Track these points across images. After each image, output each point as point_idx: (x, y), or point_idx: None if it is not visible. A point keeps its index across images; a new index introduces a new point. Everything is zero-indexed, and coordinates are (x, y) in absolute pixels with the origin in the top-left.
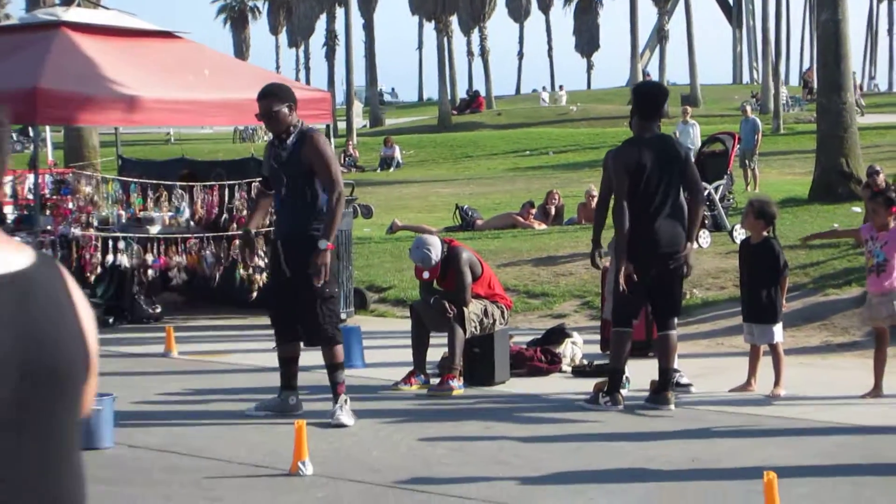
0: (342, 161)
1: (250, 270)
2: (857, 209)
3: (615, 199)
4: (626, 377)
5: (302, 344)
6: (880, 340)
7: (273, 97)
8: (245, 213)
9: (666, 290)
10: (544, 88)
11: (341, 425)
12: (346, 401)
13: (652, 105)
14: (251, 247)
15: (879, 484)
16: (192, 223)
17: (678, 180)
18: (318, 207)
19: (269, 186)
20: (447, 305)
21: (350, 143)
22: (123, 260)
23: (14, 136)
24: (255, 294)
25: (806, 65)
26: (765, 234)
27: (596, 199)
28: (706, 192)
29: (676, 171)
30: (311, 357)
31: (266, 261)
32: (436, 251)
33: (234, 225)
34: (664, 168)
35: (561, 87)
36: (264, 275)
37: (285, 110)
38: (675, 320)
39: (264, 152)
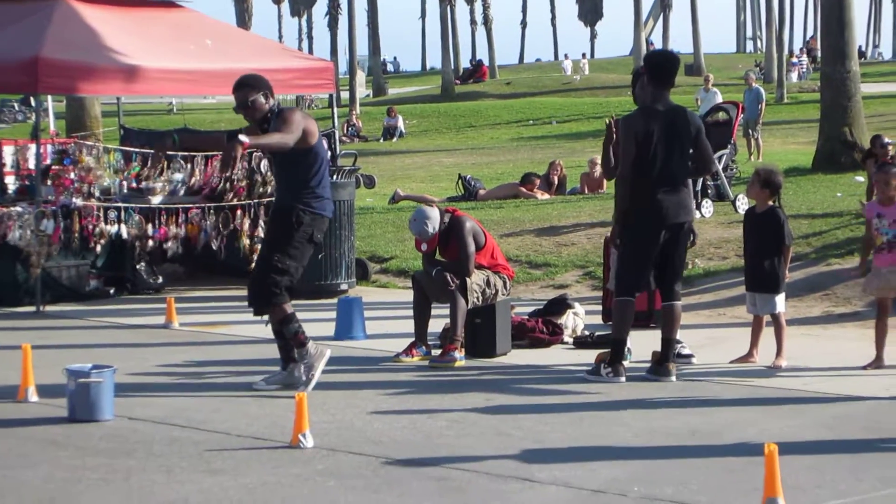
0: (345, 131)
1: (248, 240)
2: (861, 178)
3: (620, 166)
4: (628, 348)
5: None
6: (882, 311)
7: (248, 87)
8: (245, 182)
9: (671, 261)
10: (566, 56)
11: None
12: (307, 352)
13: (665, 74)
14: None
15: (880, 457)
16: (190, 192)
17: (687, 153)
18: (302, 182)
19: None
20: (449, 278)
21: (354, 112)
22: (124, 230)
23: (16, 105)
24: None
25: (810, 33)
26: (770, 203)
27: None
28: None
29: (687, 144)
30: (317, 328)
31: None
32: (433, 223)
33: (232, 195)
34: (674, 140)
35: (584, 55)
36: None
37: (261, 99)
38: (680, 290)
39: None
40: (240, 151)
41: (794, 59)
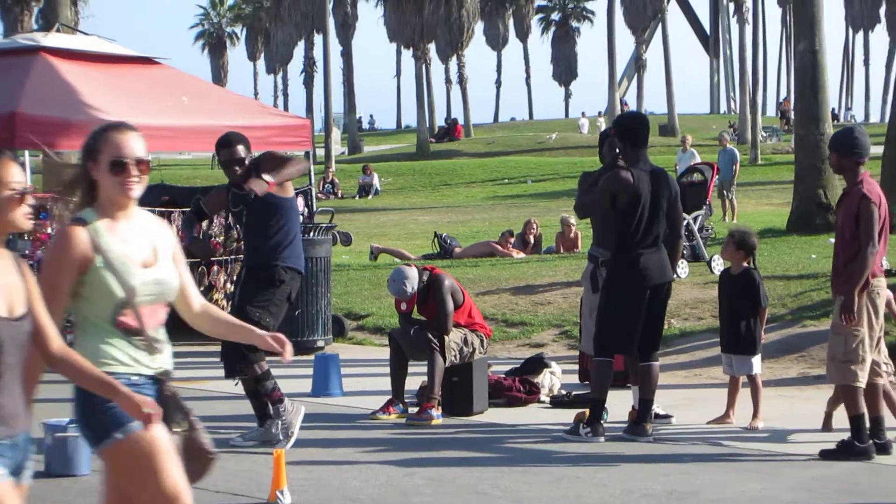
0: (321, 188)
1: (222, 296)
2: (832, 240)
3: (591, 200)
4: (606, 408)
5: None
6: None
7: (236, 144)
8: (221, 238)
9: (652, 322)
10: (583, 115)
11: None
12: (284, 409)
13: (637, 134)
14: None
15: None
16: None
17: (664, 215)
18: (277, 239)
19: (198, 214)
20: (430, 337)
21: (330, 170)
22: None
23: None
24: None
25: (783, 94)
26: (745, 264)
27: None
28: (685, 223)
29: (667, 205)
30: (293, 385)
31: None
32: (411, 283)
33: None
34: (657, 201)
35: (600, 114)
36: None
37: (245, 156)
38: (658, 352)
39: (217, 191)
40: (259, 187)
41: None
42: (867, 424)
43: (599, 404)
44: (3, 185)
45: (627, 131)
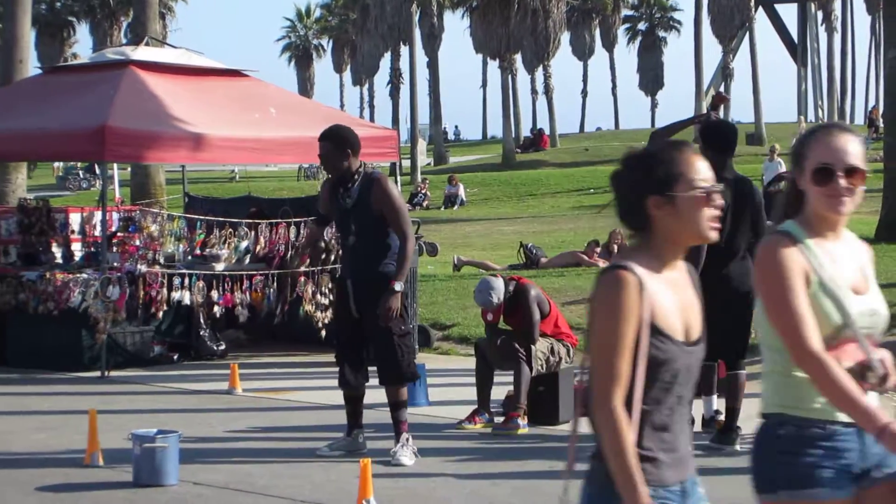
0: (410, 199)
1: (312, 307)
2: None
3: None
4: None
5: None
6: None
7: (327, 140)
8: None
9: (736, 330)
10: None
11: (401, 464)
12: (407, 440)
13: (724, 141)
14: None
15: None
16: (255, 260)
17: (750, 224)
18: (388, 248)
19: (324, 222)
20: (517, 346)
21: (426, 182)
22: (187, 297)
23: (81, 173)
24: (323, 332)
25: (872, 103)
26: None
27: None
28: None
29: (751, 214)
30: (374, 395)
31: (330, 298)
32: (497, 293)
33: (298, 262)
34: (741, 210)
35: (800, 117)
36: (328, 312)
37: (343, 155)
38: (744, 360)
39: (322, 191)
40: (399, 301)
41: None
42: None
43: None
44: (688, 183)
45: (713, 137)
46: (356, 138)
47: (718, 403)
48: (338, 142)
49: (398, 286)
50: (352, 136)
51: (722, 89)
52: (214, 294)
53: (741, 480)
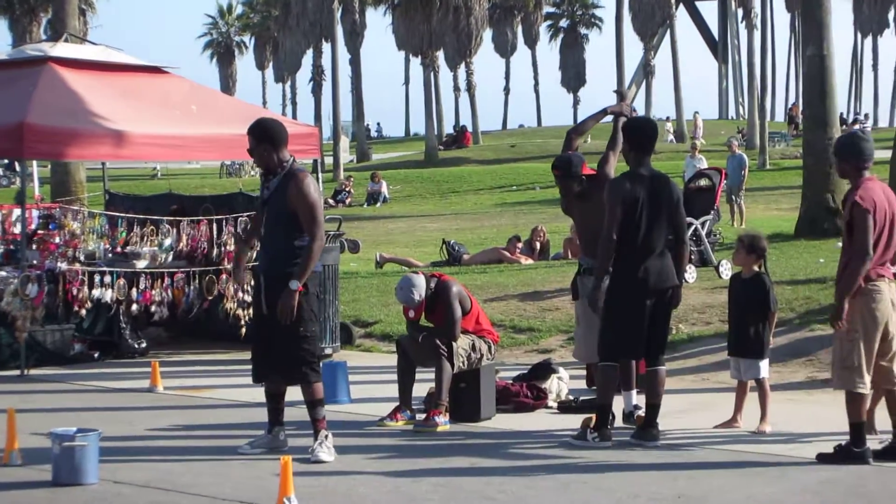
0: (337, 197)
1: (234, 304)
2: (840, 244)
3: (605, 228)
4: (612, 413)
5: None
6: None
7: (251, 134)
8: (232, 247)
9: (657, 327)
10: (668, 118)
11: (319, 461)
12: (326, 437)
13: (645, 140)
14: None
15: None
16: (177, 257)
17: (667, 221)
18: (300, 247)
19: (251, 236)
20: (438, 343)
21: (351, 179)
22: (108, 295)
23: (1, 171)
24: (243, 330)
25: (792, 100)
26: (755, 268)
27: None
28: (693, 228)
29: (667, 211)
30: (295, 392)
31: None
32: (419, 290)
33: (225, 260)
34: (657, 206)
35: (668, 118)
36: (250, 310)
37: (266, 147)
38: (664, 356)
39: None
40: (296, 301)
41: (856, 127)
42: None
43: (606, 409)
44: None
45: (635, 135)
46: (281, 131)
47: (638, 399)
48: (260, 135)
49: (293, 285)
50: (275, 128)
51: (643, 87)
52: (134, 292)
53: (662, 476)
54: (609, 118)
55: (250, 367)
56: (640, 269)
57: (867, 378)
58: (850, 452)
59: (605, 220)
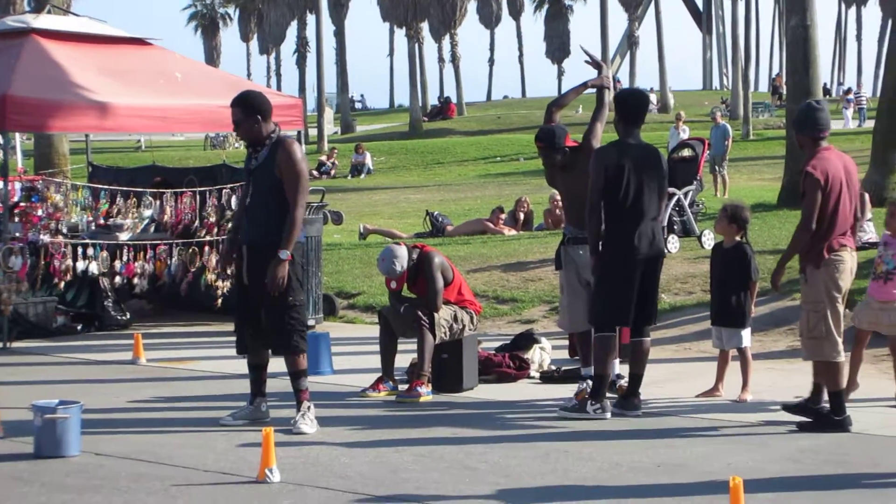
0: (321, 168)
1: (215, 276)
2: None
3: (589, 196)
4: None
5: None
6: (859, 342)
7: (237, 106)
8: (214, 219)
9: (644, 296)
10: (651, 90)
11: (301, 433)
12: (308, 408)
13: (635, 112)
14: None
15: (845, 493)
16: (160, 229)
17: (656, 189)
18: (283, 214)
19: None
20: (420, 314)
21: (335, 151)
22: (92, 267)
23: None
24: (219, 301)
25: (775, 70)
26: (737, 238)
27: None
28: (675, 198)
29: (657, 180)
30: (278, 364)
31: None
32: (401, 262)
33: (205, 231)
34: (645, 175)
35: (651, 89)
36: (229, 282)
37: (252, 119)
38: (650, 326)
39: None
40: (286, 270)
41: (850, 96)
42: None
43: (605, 380)
44: None
45: (626, 107)
46: (265, 102)
47: (621, 368)
48: (246, 107)
49: (283, 254)
50: (260, 100)
51: (628, 58)
52: (117, 264)
53: (643, 444)
54: (592, 91)
55: (233, 338)
56: (634, 235)
57: (840, 346)
58: (829, 420)
59: (590, 189)
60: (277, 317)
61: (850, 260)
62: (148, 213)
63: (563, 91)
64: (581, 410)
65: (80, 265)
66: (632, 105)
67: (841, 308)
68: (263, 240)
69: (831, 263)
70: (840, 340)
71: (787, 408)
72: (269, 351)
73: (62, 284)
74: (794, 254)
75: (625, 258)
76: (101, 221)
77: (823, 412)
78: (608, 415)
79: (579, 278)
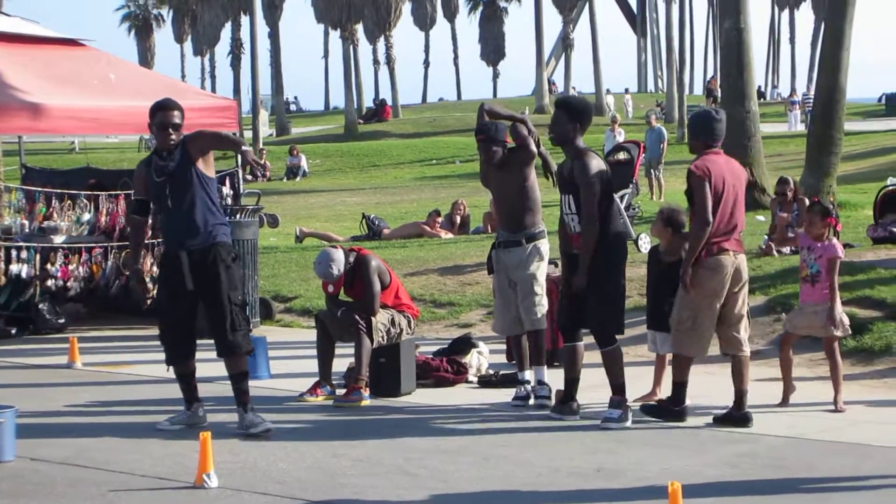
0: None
1: (148, 279)
2: (761, 218)
3: (596, 210)
4: (537, 385)
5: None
6: (785, 344)
7: (178, 108)
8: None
9: (581, 300)
10: (608, 91)
11: (267, 430)
12: (252, 409)
13: (589, 119)
14: (143, 282)
15: (783, 498)
16: (94, 232)
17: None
18: (214, 213)
19: (143, 211)
20: (357, 318)
21: (263, 152)
22: (25, 270)
23: None
24: (148, 302)
25: (710, 73)
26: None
27: (585, 216)
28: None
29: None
30: (212, 368)
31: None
32: (337, 265)
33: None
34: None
35: (627, 91)
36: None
37: (179, 121)
38: (583, 331)
39: (138, 173)
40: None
41: (795, 98)
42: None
43: (623, 388)
44: None
45: (582, 115)
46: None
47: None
48: (180, 111)
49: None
50: (180, 105)
51: (563, 60)
52: (51, 267)
53: (582, 449)
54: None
55: (163, 349)
56: (623, 239)
57: (701, 345)
58: (669, 411)
59: (589, 200)
60: (227, 316)
61: (729, 264)
62: (87, 217)
63: (499, 105)
64: (615, 420)
65: (14, 268)
66: (588, 112)
67: (715, 308)
68: (204, 240)
69: (708, 266)
70: (705, 339)
71: (717, 419)
72: (195, 358)
73: None
74: (697, 251)
75: (623, 263)
76: (38, 224)
77: (664, 404)
78: (628, 423)
79: (509, 282)
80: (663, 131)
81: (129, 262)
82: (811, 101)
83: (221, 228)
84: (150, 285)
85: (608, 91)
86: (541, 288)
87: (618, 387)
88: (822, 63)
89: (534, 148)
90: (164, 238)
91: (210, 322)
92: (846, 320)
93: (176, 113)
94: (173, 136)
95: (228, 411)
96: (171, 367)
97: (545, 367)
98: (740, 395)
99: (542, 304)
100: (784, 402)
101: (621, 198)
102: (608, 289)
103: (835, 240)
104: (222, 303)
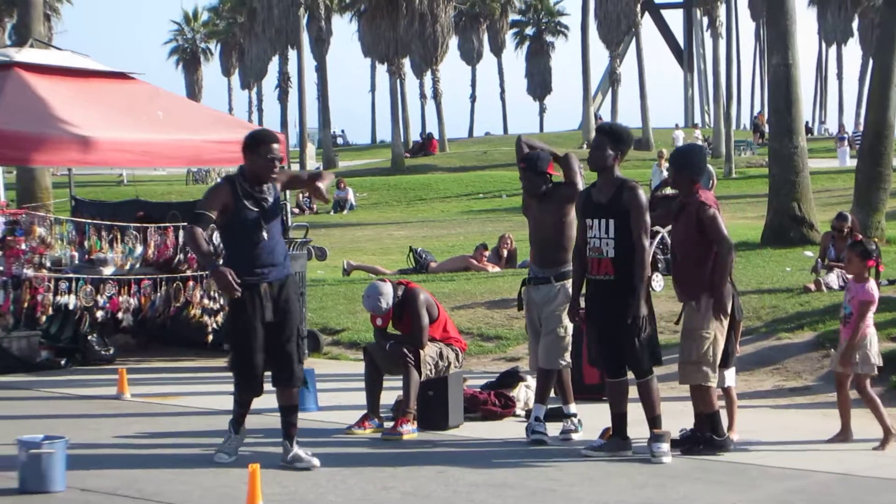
0: (297, 203)
1: (199, 311)
2: (809, 253)
3: (644, 238)
4: (579, 420)
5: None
6: (841, 385)
7: (278, 144)
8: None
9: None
10: (677, 126)
11: (313, 466)
12: (297, 443)
13: (629, 148)
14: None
15: None
16: (143, 264)
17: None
18: (284, 245)
19: (204, 226)
20: (405, 351)
21: (343, 182)
22: (73, 301)
23: None
24: (210, 337)
25: (757, 109)
26: None
27: (637, 245)
28: (660, 236)
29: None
30: (264, 399)
31: (219, 303)
32: (386, 299)
33: (187, 266)
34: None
35: (696, 125)
36: (219, 317)
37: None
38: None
39: (217, 192)
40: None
41: (844, 134)
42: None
43: (659, 419)
44: None
45: (624, 142)
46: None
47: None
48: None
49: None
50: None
51: (609, 95)
52: (100, 299)
53: (629, 484)
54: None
55: (217, 374)
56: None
57: (715, 372)
58: (711, 441)
59: (643, 227)
60: (294, 348)
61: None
62: (140, 249)
63: (538, 141)
64: (662, 454)
65: (62, 300)
66: (628, 141)
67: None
68: (283, 272)
69: (727, 291)
70: (717, 366)
71: (675, 442)
72: None
73: (43, 319)
74: (727, 277)
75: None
76: (87, 256)
77: (707, 436)
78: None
79: (539, 319)
80: (711, 169)
81: (209, 263)
82: (860, 136)
83: (289, 261)
84: (205, 318)
85: (677, 126)
86: (564, 330)
87: (654, 419)
88: (871, 99)
89: (581, 186)
90: (245, 269)
91: (277, 352)
92: (874, 359)
93: (272, 150)
94: (276, 170)
95: (277, 443)
96: (243, 397)
97: (546, 406)
98: (700, 419)
99: (562, 347)
100: (835, 440)
101: (669, 233)
102: (649, 327)
103: (871, 282)
104: (293, 334)
